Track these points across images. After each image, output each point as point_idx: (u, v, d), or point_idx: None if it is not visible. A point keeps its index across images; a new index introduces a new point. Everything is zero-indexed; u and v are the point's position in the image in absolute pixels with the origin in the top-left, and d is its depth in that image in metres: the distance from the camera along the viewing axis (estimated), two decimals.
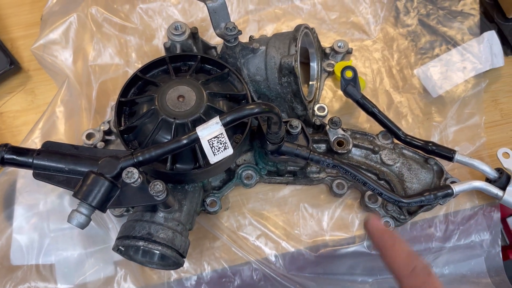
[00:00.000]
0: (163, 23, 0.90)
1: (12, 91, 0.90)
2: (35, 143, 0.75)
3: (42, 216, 0.72)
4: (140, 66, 0.86)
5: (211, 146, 0.59)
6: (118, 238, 0.64)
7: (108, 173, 0.59)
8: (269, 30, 0.94)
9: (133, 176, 0.57)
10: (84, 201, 0.57)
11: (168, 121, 0.65)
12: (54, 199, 0.73)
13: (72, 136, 0.78)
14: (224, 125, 0.58)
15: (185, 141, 0.59)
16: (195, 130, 0.58)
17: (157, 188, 0.58)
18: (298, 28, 0.77)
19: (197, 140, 0.59)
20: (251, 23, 0.94)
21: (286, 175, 0.80)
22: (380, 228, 0.56)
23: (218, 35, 0.74)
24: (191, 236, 0.76)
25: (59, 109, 0.79)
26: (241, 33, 0.73)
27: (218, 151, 0.59)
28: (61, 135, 0.77)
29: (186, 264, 0.75)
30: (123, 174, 0.57)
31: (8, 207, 0.72)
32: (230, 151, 0.59)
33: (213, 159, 0.60)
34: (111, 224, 0.75)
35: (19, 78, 0.91)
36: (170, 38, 0.80)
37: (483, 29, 0.88)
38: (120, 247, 0.65)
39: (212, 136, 0.59)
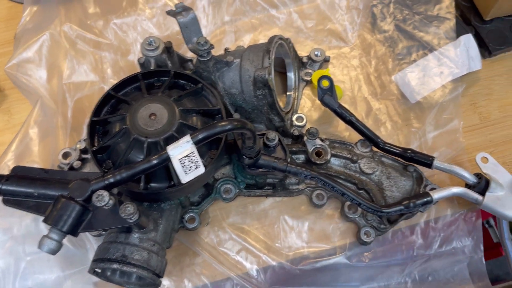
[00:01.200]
0: (138, 37, 0.90)
1: None
2: (8, 166, 0.74)
3: (18, 240, 0.71)
4: (115, 82, 0.86)
5: (183, 165, 0.58)
6: (93, 261, 0.63)
7: (78, 197, 0.58)
8: (246, 40, 0.93)
9: (103, 199, 0.56)
10: (55, 226, 0.56)
11: (140, 140, 0.65)
12: (29, 222, 0.72)
13: (47, 157, 0.77)
14: (196, 143, 0.58)
15: (155, 161, 0.58)
16: (166, 149, 0.58)
17: (128, 210, 0.57)
18: (271, 40, 0.76)
19: (168, 159, 0.58)
20: (228, 34, 0.93)
21: (266, 188, 0.80)
22: None
23: (191, 50, 0.73)
24: (171, 253, 0.76)
25: (32, 130, 0.78)
26: (213, 48, 0.72)
27: (189, 170, 0.59)
28: (35, 156, 0.76)
29: (166, 282, 0.75)
30: (93, 198, 0.56)
31: None
32: (201, 170, 0.59)
33: (184, 178, 0.59)
34: (89, 244, 0.74)
35: None
36: (144, 53, 0.79)
37: (459, 32, 0.88)
38: (95, 269, 0.64)
39: (183, 155, 0.58)
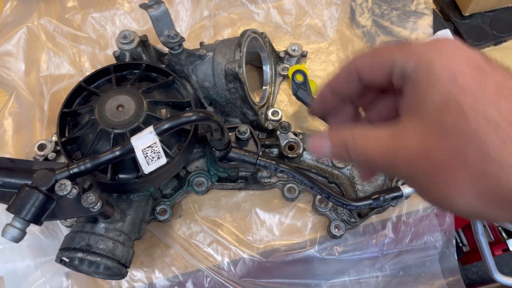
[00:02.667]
0: (117, 31, 0.90)
1: None
2: None
3: None
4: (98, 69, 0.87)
5: (145, 155, 0.59)
6: (59, 250, 0.64)
7: (42, 186, 0.59)
8: (225, 35, 0.94)
9: (65, 188, 0.57)
10: (18, 215, 0.57)
11: (107, 131, 0.65)
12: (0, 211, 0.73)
13: (21, 149, 0.78)
14: (159, 134, 0.58)
15: (118, 152, 0.59)
16: (130, 140, 0.58)
17: (90, 199, 0.58)
18: (243, 33, 0.77)
19: (131, 150, 0.59)
20: (207, 29, 0.94)
21: (238, 181, 0.80)
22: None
23: (162, 43, 0.74)
24: (143, 244, 0.77)
25: (6, 121, 0.78)
26: (183, 40, 0.72)
27: (151, 160, 0.59)
28: (9, 147, 0.77)
29: (138, 273, 0.75)
30: (56, 187, 0.57)
31: None
32: (163, 160, 0.59)
33: (147, 169, 0.60)
34: (61, 234, 0.74)
35: None
36: (119, 47, 0.79)
37: (437, 28, 0.88)
38: (62, 258, 0.64)
39: (146, 145, 0.58)
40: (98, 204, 0.58)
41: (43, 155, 0.78)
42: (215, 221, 0.78)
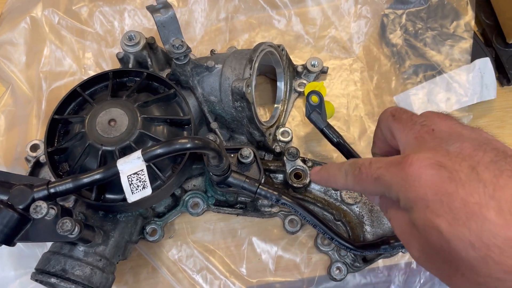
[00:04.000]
0: (126, 28, 0.84)
1: None
2: None
3: None
4: (96, 73, 0.82)
5: (130, 183, 0.53)
6: (35, 269, 0.60)
7: (18, 204, 0.54)
8: (241, 41, 0.87)
9: (41, 211, 0.52)
10: None
11: (95, 147, 0.60)
12: None
13: (12, 148, 0.74)
14: (146, 160, 0.52)
15: (101, 175, 0.53)
16: (116, 163, 0.53)
17: (66, 226, 0.53)
18: (256, 48, 0.69)
19: (116, 174, 0.53)
20: (222, 33, 0.87)
21: (237, 206, 0.74)
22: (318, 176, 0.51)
23: (167, 52, 0.67)
24: (129, 263, 0.72)
25: None
26: (190, 51, 0.66)
27: (136, 189, 0.53)
28: None
29: None
30: (31, 208, 0.52)
31: None
32: (148, 191, 0.53)
33: (131, 197, 0.54)
34: (44, 245, 0.70)
35: None
36: (123, 48, 0.74)
37: (476, 54, 0.79)
38: (36, 279, 0.60)
39: (132, 171, 0.53)
40: (76, 230, 0.53)
41: (35, 157, 0.74)
42: (207, 247, 0.73)
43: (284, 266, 0.71)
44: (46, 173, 0.74)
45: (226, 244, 0.73)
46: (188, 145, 0.52)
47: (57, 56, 0.81)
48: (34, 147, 0.75)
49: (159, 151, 0.52)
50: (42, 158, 0.74)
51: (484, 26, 0.85)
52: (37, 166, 0.74)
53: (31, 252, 0.69)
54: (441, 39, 0.80)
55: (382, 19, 0.85)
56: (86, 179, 0.54)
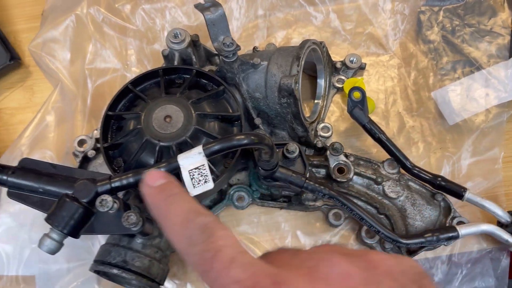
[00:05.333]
0: (166, 25, 0.86)
1: (11, 86, 0.88)
2: (21, 151, 0.73)
3: (25, 226, 0.71)
4: (139, 70, 0.84)
5: (192, 177, 0.55)
6: (94, 261, 0.62)
7: (83, 198, 0.56)
8: (278, 38, 0.88)
9: (106, 204, 0.54)
10: (56, 227, 0.55)
11: (152, 143, 0.62)
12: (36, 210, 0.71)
13: (62, 143, 0.76)
14: (208, 155, 0.54)
15: (163, 169, 0.55)
16: (176, 158, 0.55)
17: (131, 219, 0.55)
18: (303, 45, 0.71)
19: (177, 168, 0.55)
20: (260, 29, 0.88)
21: (281, 199, 0.76)
22: (154, 187, 0.40)
23: (216, 49, 0.69)
24: (176, 256, 0.74)
25: (49, 115, 0.76)
26: (239, 49, 0.67)
27: (198, 184, 0.55)
28: (49, 143, 0.74)
29: (169, 284, 0.73)
30: (97, 202, 0.55)
31: None
32: (210, 185, 0.55)
33: (192, 191, 0.56)
34: (96, 238, 0.72)
35: (19, 73, 0.89)
36: (168, 45, 0.75)
37: None
38: (96, 270, 0.62)
39: (193, 166, 0.54)
40: (139, 224, 0.56)
41: (83, 151, 0.76)
42: (252, 239, 0.75)
43: None
44: (94, 167, 0.75)
45: (270, 237, 0.75)
46: (245, 141, 0.54)
47: (101, 53, 0.82)
48: (81, 142, 0.76)
49: (219, 146, 0.54)
50: (90, 153, 0.76)
51: None
52: (85, 160, 0.76)
53: (84, 244, 0.72)
54: (478, 36, 0.82)
55: (419, 16, 0.86)
56: None
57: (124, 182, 0.56)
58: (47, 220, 0.55)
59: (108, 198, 0.54)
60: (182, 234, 0.35)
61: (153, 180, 0.41)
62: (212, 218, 0.36)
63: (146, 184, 0.41)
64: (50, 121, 0.76)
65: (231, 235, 0.34)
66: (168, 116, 0.63)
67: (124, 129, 0.67)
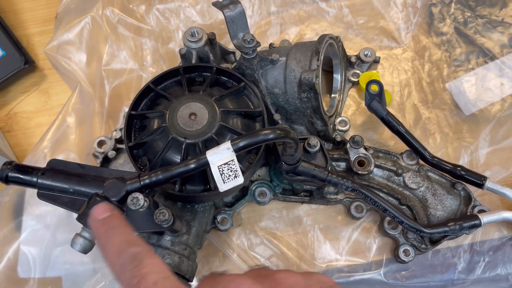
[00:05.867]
0: (181, 24, 0.86)
1: (26, 90, 0.88)
2: (44, 153, 0.73)
3: (50, 228, 0.71)
4: (155, 70, 0.84)
5: (221, 173, 0.55)
6: None
7: (113, 196, 0.56)
8: (291, 34, 0.89)
9: (138, 202, 0.54)
10: (88, 226, 0.55)
11: (179, 141, 0.62)
12: (62, 211, 0.71)
13: (83, 145, 0.76)
14: (236, 151, 0.55)
15: (193, 165, 0.55)
16: (205, 154, 0.55)
17: (163, 216, 0.56)
18: (321, 39, 0.71)
19: (206, 164, 0.55)
20: (273, 26, 0.88)
21: (302, 194, 0.76)
22: (98, 220, 0.45)
23: (236, 46, 0.69)
24: (200, 252, 0.74)
25: (70, 117, 0.76)
26: (259, 45, 0.68)
27: (228, 178, 0.56)
28: (71, 145, 0.75)
29: (194, 282, 0.73)
30: (128, 200, 0.55)
31: (16, 218, 0.71)
32: (240, 180, 0.56)
33: (222, 186, 0.56)
34: None
35: (34, 77, 0.89)
36: (186, 44, 0.76)
37: None
38: None
39: (222, 162, 0.55)
40: (170, 221, 0.56)
41: (103, 152, 0.76)
42: (275, 234, 0.75)
43: (351, 251, 0.74)
44: (115, 168, 0.76)
45: (293, 231, 0.75)
46: (272, 135, 0.55)
47: (117, 54, 0.83)
48: (101, 143, 0.77)
49: (247, 141, 0.54)
50: (110, 154, 0.76)
51: None
52: (105, 161, 0.76)
53: None
54: (490, 27, 0.83)
55: (430, 9, 0.86)
56: (177, 170, 0.56)
57: (154, 179, 0.56)
58: (79, 219, 0.55)
59: (140, 196, 0.55)
60: (116, 262, 0.41)
61: (99, 213, 0.47)
62: (143, 249, 0.41)
63: (92, 217, 0.47)
64: (71, 122, 0.76)
65: (158, 262, 0.40)
66: (193, 113, 0.63)
67: (147, 128, 0.67)
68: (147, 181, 0.57)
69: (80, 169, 0.60)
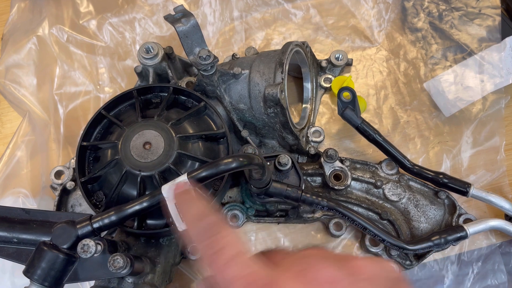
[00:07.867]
0: (137, 38, 0.80)
1: None
2: None
3: (6, 273, 0.66)
4: (112, 90, 0.78)
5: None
6: None
7: (62, 244, 0.51)
8: (258, 39, 0.83)
9: (89, 250, 0.49)
10: (36, 281, 0.50)
11: (133, 174, 0.57)
12: None
13: (37, 179, 0.70)
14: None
15: (147, 204, 0.50)
16: (160, 189, 0.50)
17: (118, 263, 0.50)
18: (285, 48, 0.66)
19: (162, 201, 0.50)
20: (238, 32, 0.83)
21: (277, 214, 0.72)
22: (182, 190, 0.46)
23: (192, 63, 0.64)
24: (173, 284, 0.69)
25: (19, 150, 0.70)
26: (217, 61, 0.62)
27: None
28: (22, 182, 0.69)
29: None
30: (78, 248, 0.49)
31: None
32: None
33: (181, 225, 0.51)
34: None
35: None
36: (141, 62, 0.70)
37: (505, 33, 0.76)
38: None
39: None
40: (127, 267, 0.51)
41: (61, 184, 0.70)
42: None
43: None
44: (75, 200, 0.71)
45: None
46: (234, 165, 0.50)
47: (69, 75, 0.77)
48: (58, 174, 0.71)
49: (206, 173, 0.49)
50: (69, 185, 0.70)
51: (508, 2, 0.82)
52: (64, 193, 0.71)
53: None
54: (467, 19, 0.77)
55: (403, 3, 0.81)
56: (130, 210, 0.51)
57: (106, 221, 0.51)
58: (26, 273, 0.50)
59: (90, 242, 0.49)
60: (194, 229, 0.41)
61: (180, 187, 0.47)
62: (219, 218, 0.41)
63: (176, 187, 0.47)
64: (21, 156, 0.70)
65: (235, 235, 0.39)
66: (147, 142, 0.58)
67: (101, 160, 0.62)
68: (99, 223, 0.51)
69: (24, 215, 0.55)
